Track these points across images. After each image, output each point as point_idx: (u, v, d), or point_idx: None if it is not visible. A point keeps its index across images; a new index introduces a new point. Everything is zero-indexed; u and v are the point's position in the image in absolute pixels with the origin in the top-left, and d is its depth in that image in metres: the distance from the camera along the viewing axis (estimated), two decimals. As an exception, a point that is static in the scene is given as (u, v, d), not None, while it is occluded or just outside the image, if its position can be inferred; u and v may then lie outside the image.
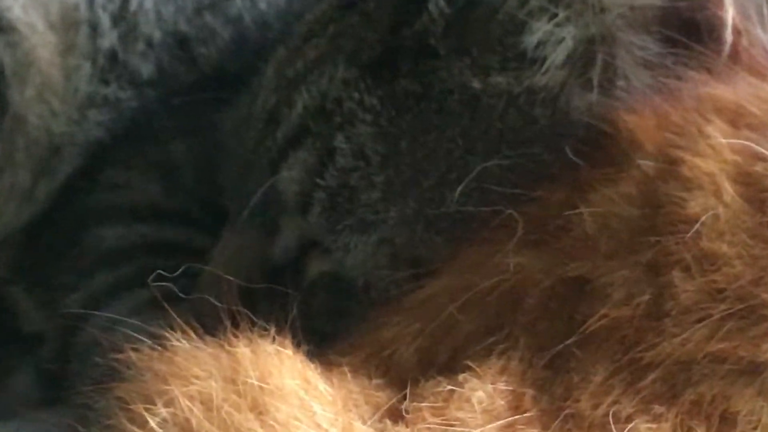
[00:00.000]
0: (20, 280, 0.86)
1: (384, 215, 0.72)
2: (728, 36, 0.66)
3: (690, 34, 0.66)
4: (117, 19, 0.92)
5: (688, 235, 0.53)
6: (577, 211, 0.57)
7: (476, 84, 0.71)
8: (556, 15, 0.68)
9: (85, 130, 0.91)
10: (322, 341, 0.59)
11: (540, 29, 0.69)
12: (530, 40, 0.70)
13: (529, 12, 0.69)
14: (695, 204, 0.53)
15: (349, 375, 0.55)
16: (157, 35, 0.92)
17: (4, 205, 0.88)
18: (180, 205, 0.87)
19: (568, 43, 0.69)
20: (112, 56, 0.91)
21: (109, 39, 0.93)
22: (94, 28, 0.91)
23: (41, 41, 0.88)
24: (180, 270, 0.73)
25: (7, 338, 0.84)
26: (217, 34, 0.93)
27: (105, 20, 0.92)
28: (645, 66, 0.68)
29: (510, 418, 0.51)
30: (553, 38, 0.69)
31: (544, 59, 0.69)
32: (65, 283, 0.84)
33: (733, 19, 0.66)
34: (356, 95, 0.75)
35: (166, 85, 0.92)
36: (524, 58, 0.70)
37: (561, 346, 0.53)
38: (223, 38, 0.93)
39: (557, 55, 0.69)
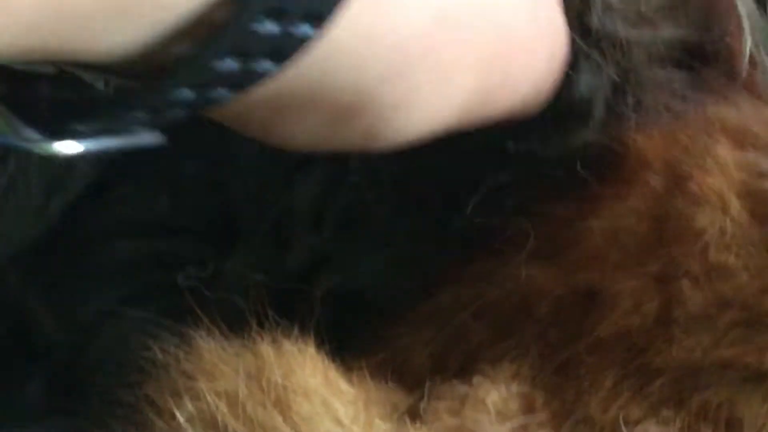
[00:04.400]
0: (32, 293, 0.85)
1: (394, 233, 0.73)
2: (744, 67, 0.65)
3: (705, 62, 0.66)
4: None
5: (696, 247, 0.53)
6: (586, 224, 0.57)
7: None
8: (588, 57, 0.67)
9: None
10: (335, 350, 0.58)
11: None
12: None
13: None
14: (703, 218, 0.53)
15: (368, 376, 0.55)
16: None
17: (17, 221, 0.88)
18: (189, 220, 0.86)
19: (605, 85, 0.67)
20: None
21: None
22: None
23: None
24: (207, 272, 0.74)
25: (20, 348, 0.83)
26: None
27: None
28: (655, 88, 0.66)
29: (523, 420, 0.52)
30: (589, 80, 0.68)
31: (587, 110, 0.67)
32: (77, 296, 0.84)
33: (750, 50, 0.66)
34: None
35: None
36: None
37: (571, 352, 0.53)
38: None
39: (597, 106, 0.67)
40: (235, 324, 0.56)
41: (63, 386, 0.82)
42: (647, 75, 0.66)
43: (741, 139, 0.57)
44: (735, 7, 0.65)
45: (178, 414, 0.51)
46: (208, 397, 0.51)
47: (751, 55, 0.65)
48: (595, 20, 0.65)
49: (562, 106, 0.66)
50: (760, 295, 0.51)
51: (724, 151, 0.56)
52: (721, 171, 0.55)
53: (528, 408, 0.52)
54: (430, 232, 0.70)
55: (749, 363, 0.49)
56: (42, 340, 0.84)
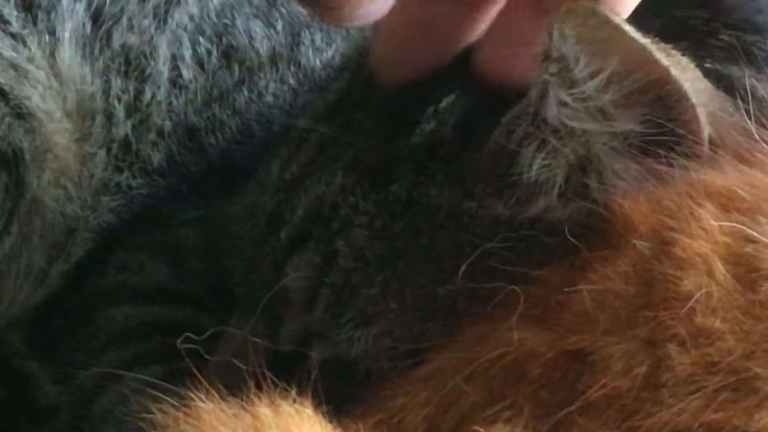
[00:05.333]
0: (34, 356, 0.86)
1: (384, 309, 0.73)
2: (706, 145, 0.65)
3: (666, 148, 0.66)
4: (131, 109, 0.92)
5: (683, 311, 0.53)
6: (576, 288, 0.57)
7: (467, 204, 0.71)
8: (545, 141, 0.68)
9: (98, 215, 0.91)
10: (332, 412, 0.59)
11: (531, 158, 0.69)
12: (525, 170, 0.69)
13: (518, 142, 0.70)
14: (689, 282, 0.54)
15: None
16: (167, 126, 0.92)
17: (19, 285, 0.88)
18: (187, 288, 0.87)
19: (563, 168, 0.69)
20: (126, 145, 0.92)
21: (123, 128, 0.93)
22: (109, 117, 0.91)
23: (58, 128, 0.88)
24: (206, 334, 0.73)
25: (24, 411, 0.83)
26: (224, 125, 0.93)
27: (120, 111, 0.92)
28: (635, 157, 0.67)
29: None
30: (549, 166, 0.69)
31: (543, 185, 0.69)
32: (78, 361, 0.84)
33: (713, 124, 0.66)
34: (352, 200, 0.75)
35: (176, 173, 0.92)
36: (520, 185, 0.70)
37: (563, 413, 0.53)
38: (230, 129, 0.94)
39: (556, 181, 0.69)
40: (234, 386, 0.56)
41: None
42: (606, 163, 0.68)
43: (726, 203, 0.57)
44: (689, 98, 0.65)
45: None
46: None
47: (737, 125, 0.66)
48: (550, 114, 0.67)
49: (518, 183, 0.70)
50: (746, 359, 0.51)
51: (709, 215, 0.56)
52: (705, 236, 0.56)
53: None
54: (419, 305, 0.71)
55: (737, 426, 0.50)
56: (44, 404, 0.84)
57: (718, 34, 0.75)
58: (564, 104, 0.67)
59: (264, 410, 0.54)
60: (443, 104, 0.75)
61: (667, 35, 0.68)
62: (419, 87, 0.76)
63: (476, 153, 0.72)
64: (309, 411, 0.55)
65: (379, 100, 0.79)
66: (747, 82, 0.70)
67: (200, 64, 0.95)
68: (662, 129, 0.67)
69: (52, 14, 0.92)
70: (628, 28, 0.64)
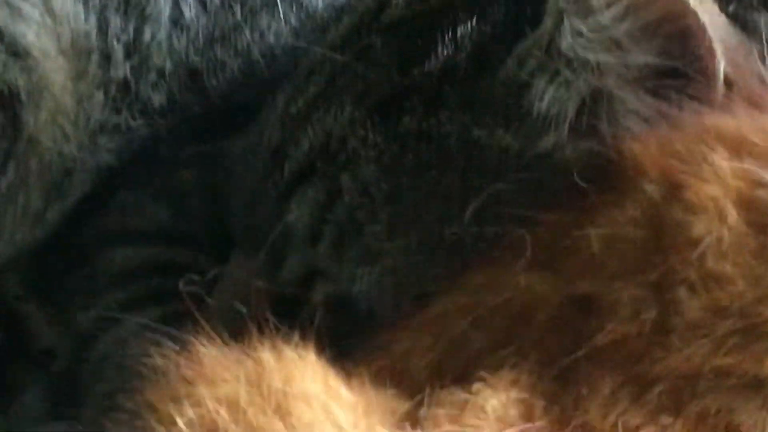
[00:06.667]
0: (32, 298, 0.86)
1: (388, 247, 0.74)
2: (720, 85, 0.65)
3: (678, 86, 0.66)
4: (130, 50, 0.92)
5: (693, 255, 0.53)
6: (584, 232, 0.58)
7: (477, 133, 0.72)
8: (557, 73, 0.69)
9: (95, 156, 0.91)
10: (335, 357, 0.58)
11: (542, 90, 0.70)
12: (536, 102, 0.71)
13: (525, 67, 0.71)
14: (700, 226, 0.54)
15: (367, 382, 0.56)
16: (168, 66, 0.92)
17: (17, 226, 0.88)
18: (187, 229, 0.87)
19: (574, 101, 0.69)
20: (125, 86, 0.92)
21: (122, 69, 0.94)
22: (107, 57, 0.92)
23: (54, 66, 0.89)
24: (208, 276, 0.75)
25: (18, 355, 0.84)
26: (226, 66, 0.93)
27: (118, 51, 0.93)
28: (648, 97, 0.68)
29: (522, 427, 0.52)
30: (560, 98, 0.70)
31: (553, 119, 0.70)
32: (77, 302, 0.85)
33: (728, 62, 0.67)
34: (361, 133, 0.76)
35: (177, 114, 0.92)
36: (529, 117, 0.71)
37: (570, 359, 0.54)
38: (232, 70, 0.94)
39: (566, 114, 0.70)
40: (236, 330, 0.56)
41: (63, 393, 0.82)
42: (618, 97, 0.68)
43: (738, 148, 0.57)
44: (705, 31, 0.66)
45: (178, 420, 0.52)
46: (209, 403, 0.52)
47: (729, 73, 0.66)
48: (564, 44, 0.68)
49: (527, 115, 0.71)
50: (757, 303, 0.51)
51: (721, 159, 0.56)
52: (717, 180, 0.55)
53: (528, 415, 0.52)
54: (425, 245, 0.72)
55: (747, 370, 0.50)
56: (41, 347, 0.84)
57: None
58: (579, 34, 0.67)
59: (266, 355, 0.55)
60: (459, 31, 0.75)
61: None
62: (434, 14, 0.77)
63: (489, 81, 0.73)
64: (312, 356, 0.56)
65: (393, 28, 0.79)
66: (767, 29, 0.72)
67: (202, 3, 0.94)
68: (677, 66, 0.67)
69: None
70: None
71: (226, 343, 0.56)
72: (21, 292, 0.87)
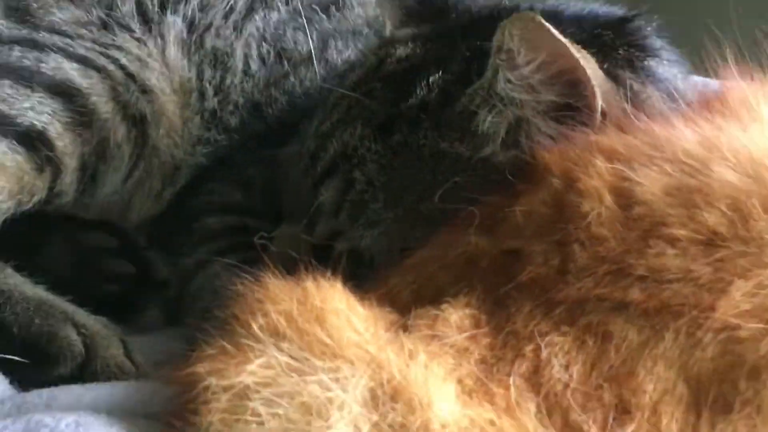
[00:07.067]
0: (153, 248, 0.86)
1: (384, 217, 0.73)
2: (599, 115, 0.66)
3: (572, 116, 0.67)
4: (217, 90, 0.92)
5: (583, 224, 0.54)
6: (512, 209, 0.58)
7: (442, 145, 0.72)
8: (494, 106, 0.69)
9: (194, 158, 0.91)
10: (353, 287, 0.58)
11: (487, 120, 0.70)
12: (480, 125, 0.70)
13: (475, 102, 0.70)
14: (587, 206, 0.54)
15: (374, 303, 0.56)
16: (241, 101, 0.92)
17: (144, 203, 0.89)
18: (253, 205, 0.87)
19: (505, 124, 0.69)
20: (213, 113, 0.91)
21: (211, 102, 0.92)
22: (202, 94, 0.91)
23: (168, 100, 0.88)
24: (271, 234, 0.77)
25: (144, 285, 0.83)
26: (278, 101, 0.93)
27: (209, 90, 0.93)
28: (552, 123, 0.68)
29: (473, 332, 0.52)
30: (496, 122, 0.70)
31: (491, 135, 0.70)
32: (182, 251, 0.84)
33: (603, 98, 0.67)
34: (367, 144, 0.75)
35: (246, 132, 0.92)
36: (476, 135, 0.70)
37: (503, 290, 0.54)
38: (281, 103, 0.93)
39: (499, 133, 0.70)
40: (289, 268, 0.56)
41: (173, 310, 0.83)
42: (534, 122, 0.68)
43: (610, 155, 0.57)
44: (589, 80, 0.66)
45: (253, 325, 0.52)
46: (273, 315, 0.52)
47: (604, 105, 0.68)
48: (499, 87, 0.68)
49: (475, 133, 0.71)
50: (624, 254, 0.51)
51: (600, 163, 0.57)
52: (598, 176, 0.56)
53: (476, 325, 0.53)
54: (408, 216, 0.72)
55: (616, 297, 0.50)
56: (159, 278, 0.85)
57: (618, 49, 0.75)
58: (509, 81, 0.68)
59: (309, 284, 0.54)
60: (431, 79, 0.75)
61: (584, 42, 0.69)
62: (415, 68, 0.77)
63: (450, 111, 0.72)
64: (339, 286, 0.55)
65: (389, 77, 0.78)
66: (628, 81, 0.72)
67: (262, 59, 0.94)
68: (571, 102, 0.68)
69: (161, 25, 0.91)
70: (555, 32, 0.65)
71: (283, 277, 0.56)
72: (146, 245, 0.87)
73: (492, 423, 0.49)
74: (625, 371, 0.49)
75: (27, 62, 0.81)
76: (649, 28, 0.80)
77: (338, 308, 0.54)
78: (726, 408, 0.47)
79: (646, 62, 0.76)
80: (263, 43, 0.95)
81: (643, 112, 0.66)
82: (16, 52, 0.82)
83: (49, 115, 0.79)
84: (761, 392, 0.47)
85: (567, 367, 0.50)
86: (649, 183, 0.55)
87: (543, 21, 0.65)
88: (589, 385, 0.49)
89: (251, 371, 0.50)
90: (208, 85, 0.91)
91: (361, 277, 0.65)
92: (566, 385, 0.49)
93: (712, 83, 0.72)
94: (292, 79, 0.94)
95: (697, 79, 0.78)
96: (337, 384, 0.49)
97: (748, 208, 0.52)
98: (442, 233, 0.63)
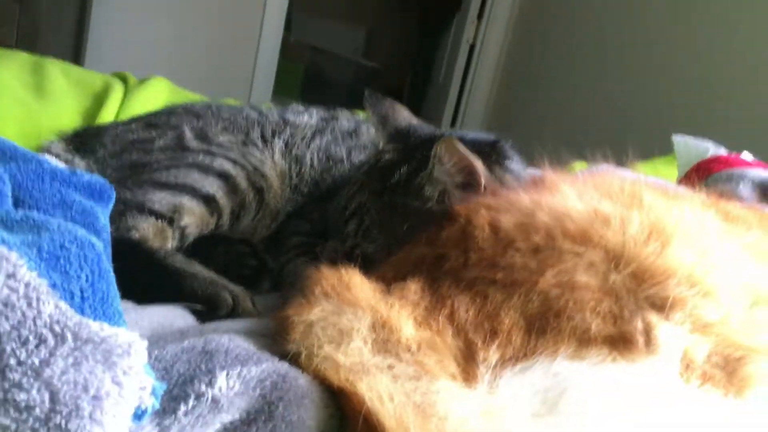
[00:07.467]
0: (264, 253, 0.87)
1: (378, 238, 0.76)
2: (483, 189, 0.69)
3: (469, 187, 0.69)
4: (296, 174, 0.92)
5: (475, 242, 0.57)
6: (442, 234, 0.61)
7: (409, 202, 0.74)
8: (432, 183, 0.72)
9: (286, 208, 0.91)
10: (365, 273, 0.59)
11: (429, 189, 0.73)
12: (426, 191, 0.73)
13: (423, 181, 0.73)
14: (476, 232, 0.58)
15: (376, 282, 0.57)
16: (308, 179, 0.92)
17: (262, 230, 0.89)
18: (315, 231, 0.88)
19: (437, 192, 0.72)
20: (296, 187, 0.91)
21: (295, 181, 0.92)
22: (290, 177, 0.91)
23: (273, 179, 0.88)
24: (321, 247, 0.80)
25: (261, 272, 0.85)
26: (326, 180, 0.93)
27: (294, 175, 0.91)
28: (459, 191, 0.71)
29: (421, 294, 0.55)
30: (433, 191, 0.72)
31: (431, 197, 0.73)
32: (280, 254, 0.86)
33: (485, 180, 0.69)
34: (371, 202, 0.77)
35: (310, 195, 0.92)
36: (424, 196, 0.73)
37: (436, 274, 0.57)
38: (328, 181, 0.93)
39: (435, 196, 0.73)
40: (333, 263, 0.58)
41: (276, 285, 0.84)
42: (450, 191, 0.71)
43: (488, 207, 0.61)
44: (478, 170, 0.70)
45: (315, 290, 0.54)
46: (325, 285, 0.54)
47: (486, 183, 0.69)
48: (435, 173, 0.71)
49: (424, 195, 0.73)
50: (494, 256, 0.55)
51: (483, 211, 0.60)
52: (482, 218, 0.59)
53: (422, 291, 0.55)
54: (392, 237, 0.74)
55: (491, 277, 0.53)
56: (269, 268, 0.86)
57: (492, 155, 0.76)
58: (439, 171, 0.71)
59: (344, 272, 0.56)
60: (402, 169, 0.77)
61: (476, 152, 0.71)
62: (395, 163, 0.79)
63: (412, 185, 0.75)
64: (357, 272, 0.57)
65: (381, 168, 0.80)
66: (497, 172, 0.76)
67: (320, 160, 0.95)
68: (469, 182, 0.71)
69: (272, 143, 0.92)
70: (461, 147, 0.69)
71: (330, 268, 0.57)
72: (263, 250, 0.88)
73: (430, 339, 0.50)
74: (494, 313, 0.51)
75: (206, 161, 0.83)
76: (507, 145, 0.81)
77: (357, 282, 0.55)
78: (543, 332, 0.49)
79: (505, 162, 0.77)
80: (319, 152, 0.95)
81: (504, 187, 0.70)
82: (201, 156, 0.84)
83: (216, 187, 0.82)
84: (561, 323, 0.49)
85: (467, 311, 0.52)
86: (507, 221, 0.57)
87: (456, 141, 0.68)
88: (478, 320, 0.51)
89: (314, 313, 0.51)
90: (293, 172, 0.91)
91: (368, 269, 0.64)
92: (466, 320, 0.51)
93: (537, 172, 0.73)
94: (334, 170, 0.94)
95: (531, 170, 0.80)
96: (355, 318, 0.50)
97: (555, 233, 0.55)
98: (408, 245, 0.64)
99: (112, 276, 0.46)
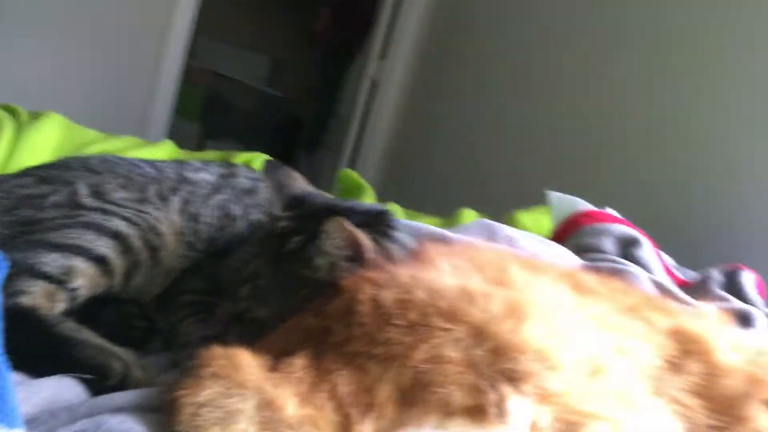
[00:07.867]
0: (158, 308, 0.86)
1: (270, 301, 0.76)
2: (367, 262, 0.70)
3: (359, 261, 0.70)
4: (192, 232, 0.89)
5: (358, 316, 0.58)
6: (332, 304, 0.61)
7: (302, 270, 0.73)
8: (322, 255, 0.72)
9: (179, 265, 0.90)
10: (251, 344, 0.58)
11: (319, 260, 0.74)
12: (316, 262, 0.73)
13: (314, 252, 0.73)
14: (359, 307, 0.58)
15: (262, 354, 0.57)
16: (204, 236, 0.90)
17: (154, 288, 0.87)
18: (209, 289, 0.86)
19: (327, 263, 0.72)
20: (190, 243, 0.88)
21: (190, 238, 0.89)
22: (185, 234, 0.88)
23: (170, 239, 0.87)
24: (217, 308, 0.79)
25: (151, 331, 0.85)
26: (223, 238, 0.92)
27: (189, 233, 0.90)
28: (347, 265, 0.71)
29: (306, 370, 0.55)
30: (323, 262, 0.73)
31: (321, 268, 0.73)
32: (171, 312, 0.86)
33: (371, 254, 0.70)
34: (263, 269, 0.77)
35: (207, 252, 0.90)
36: (314, 266, 0.73)
37: (322, 347, 0.57)
38: (224, 239, 0.92)
39: (325, 267, 0.72)
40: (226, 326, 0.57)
41: (167, 342, 0.83)
42: (338, 265, 0.72)
43: (372, 282, 0.61)
44: (364, 245, 0.70)
45: (206, 371, 0.53)
46: (215, 366, 0.54)
47: (372, 257, 0.70)
48: (324, 247, 0.72)
49: (314, 265, 0.73)
50: (374, 331, 0.56)
51: (369, 286, 0.61)
52: (365, 293, 0.60)
53: (308, 366, 0.56)
54: (284, 304, 0.73)
55: (370, 352, 0.55)
56: (156, 328, 0.85)
57: (378, 226, 0.79)
58: (328, 245, 0.72)
59: (232, 352, 0.56)
60: (297, 238, 0.77)
61: (362, 224, 0.72)
62: (291, 231, 0.78)
63: (303, 255, 0.75)
64: (246, 352, 0.57)
65: (276, 235, 0.80)
66: (382, 243, 0.76)
67: (218, 218, 0.93)
68: (356, 256, 0.71)
69: (168, 201, 0.90)
70: (348, 224, 0.69)
71: (220, 348, 0.57)
72: (152, 308, 0.86)
73: (312, 416, 0.51)
74: (371, 386, 0.52)
75: (100, 221, 0.80)
76: (392, 215, 0.82)
77: (245, 362, 0.55)
78: (413, 404, 0.51)
79: (391, 233, 0.78)
80: (217, 209, 0.93)
81: (389, 258, 0.70)
82: (95, 215, 0.82)
83: (109, 248, 0.79)
84: (428, 396, 0.51)
85: (348, 385, 0.52)
86: (387, 297, 0.58)
87: (344, 221, 0.69)
88: (356, 394, 0.52)
89: (203, 395, 0.51)
90: (189, 230, 0.89)
91: (261, 332, 0.65)
92: (346, 394, 0.52)
93: (418, 244, 0.75)
94: (230, 228, 0.93)
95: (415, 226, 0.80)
96: (242, 400, 0.51)
97: (428, 311, 0.56)
98: (298, 314, 0.64)
99: (6, 370, 0.46)
